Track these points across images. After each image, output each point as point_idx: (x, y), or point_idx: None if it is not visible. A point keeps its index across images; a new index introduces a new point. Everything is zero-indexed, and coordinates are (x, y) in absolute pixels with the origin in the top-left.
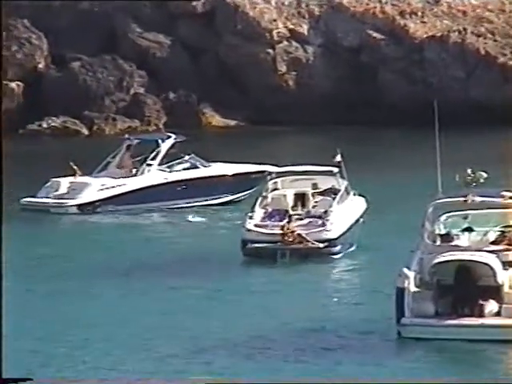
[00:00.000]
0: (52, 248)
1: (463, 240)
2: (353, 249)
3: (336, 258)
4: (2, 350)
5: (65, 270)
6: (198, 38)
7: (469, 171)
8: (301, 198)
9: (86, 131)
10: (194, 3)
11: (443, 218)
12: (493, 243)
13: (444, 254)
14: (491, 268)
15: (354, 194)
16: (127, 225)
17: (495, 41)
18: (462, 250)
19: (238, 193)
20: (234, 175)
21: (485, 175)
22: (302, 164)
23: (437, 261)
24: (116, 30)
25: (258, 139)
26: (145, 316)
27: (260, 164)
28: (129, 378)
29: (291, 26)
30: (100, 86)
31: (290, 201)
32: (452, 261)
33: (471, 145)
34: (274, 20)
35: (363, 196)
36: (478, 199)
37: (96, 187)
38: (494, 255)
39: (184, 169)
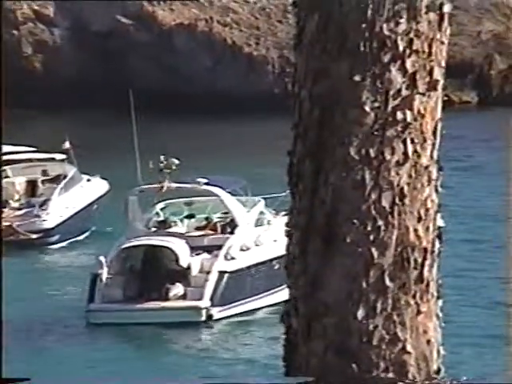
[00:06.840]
0: None
1: (181, 227)
2: (82, 237)
3: (55, 248)
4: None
5: None
6: None
7: (161, 158)
8: (31, 186)
9: None
10: None
11: (160, 205)
12: (198, 229)
13: (131, 240)
14: (173, 252)
15: (88, 180)
16: None
17: (241, 31)
18: (151, 235)
19: None
20: None
21: (176, 162)
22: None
23: (124, 246)
24: None
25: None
26: None
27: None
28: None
29: (36, 7)
30: None
31: (21, 189)
32: (139, 246)
33: (203, 133)
34: (19, 0)
35: (105, 179)
36: (174, 185)
37: None
38: (183, 240)
39: None
